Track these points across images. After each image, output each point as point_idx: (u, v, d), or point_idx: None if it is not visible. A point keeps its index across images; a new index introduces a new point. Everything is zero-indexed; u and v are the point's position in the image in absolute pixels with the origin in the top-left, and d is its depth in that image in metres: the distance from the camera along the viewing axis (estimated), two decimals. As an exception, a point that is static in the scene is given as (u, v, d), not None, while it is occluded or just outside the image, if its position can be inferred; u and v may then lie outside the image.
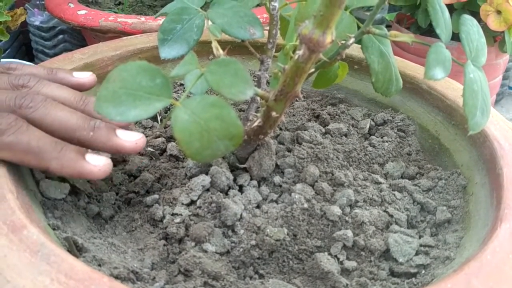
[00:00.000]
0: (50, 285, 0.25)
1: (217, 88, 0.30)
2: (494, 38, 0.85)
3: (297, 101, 0.57)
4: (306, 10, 0.39)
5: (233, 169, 0.42)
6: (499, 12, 0.77)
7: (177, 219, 0.37)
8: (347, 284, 0.34)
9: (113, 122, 0.37)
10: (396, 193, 0.42)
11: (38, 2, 1.15)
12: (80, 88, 0.42)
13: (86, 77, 0.43)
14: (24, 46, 1.19)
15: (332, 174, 0.42)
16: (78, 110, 0.37)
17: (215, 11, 0.39)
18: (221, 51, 0.36)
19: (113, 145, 0.36)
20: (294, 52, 0.33)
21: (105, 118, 0.32)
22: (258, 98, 0.43)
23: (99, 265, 0.31)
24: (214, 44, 0.36)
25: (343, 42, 0.38)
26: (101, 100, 0.28)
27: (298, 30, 0.30)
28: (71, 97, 0.39)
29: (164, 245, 0.36)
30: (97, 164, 0.34)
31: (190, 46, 0.38)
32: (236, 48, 0.54)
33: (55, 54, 1.11)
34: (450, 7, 0.79)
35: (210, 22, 0.39)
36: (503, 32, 0.79)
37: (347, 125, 0.52)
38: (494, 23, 0.76)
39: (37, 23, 1.10)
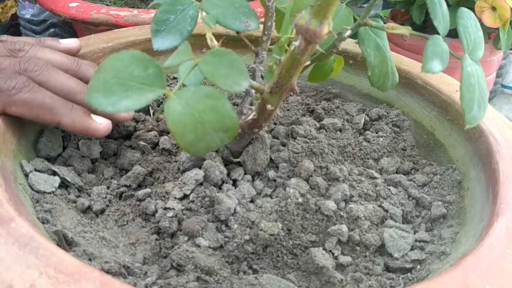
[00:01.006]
0: (38, 279, 0.25)
1: (212, 79, 0.29)
2: (489, 35, 0.85)
3: (291, 95, 0.56)
4: (302, 2, 0.39)
5: (226, 163, 0.41)
6: (494, 9, 0.77)
7: (170, 213, 0.36)
8: (342, 279, 0.34)
9: None
10: (391, 188, 0.42)
11: (29, -5, 1.13)
12: (68, 53, 0.45)
13: (72, 42, 0.47)
14: (14, 40, 1.18)
15: (327, 169, 0.41)
16: (72, 72, 0.42)
17: (209, 1, 0.38)
18: (215, 42, 0.35)
19: None
20: (289, 45, 0.32)
21: None
22: (252, 91, 0.43)
23: (90, 260, 0.31)
24: (209, 35, 0.35)
25: (339, 34, 0.37)
26: (92, 90, 0.27)
27: (294, 20, 0.30)
28: (65, 60, 0.43)
29: (156, 239, 0.35)
30: (102, 122, 0.39)
31: (183, 37, 0.37)
32: (230, 41, 0.54)
33: (46, 48, 1.10)
34: (445, 3, 0.79)
35: (204, 13, 0.38)
36: (497, 28, 0.79)
37: (342, 120, 0.51)
38: (489, 20, 0.76)
39: (28, 16, 1.08)
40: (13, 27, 1.15)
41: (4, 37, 0.44)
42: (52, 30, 1.10)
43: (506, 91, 1.23)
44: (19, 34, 1.14)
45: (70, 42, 0.47)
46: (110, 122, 0.40)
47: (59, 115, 0.38)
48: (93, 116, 0.39)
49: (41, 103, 0.37)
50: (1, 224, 0.28)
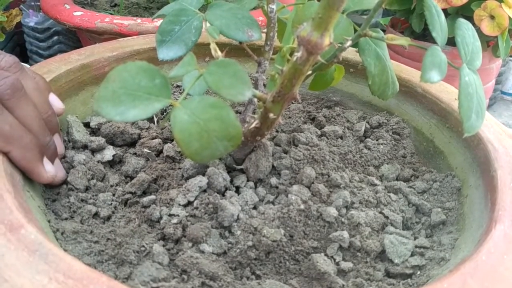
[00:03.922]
0: (48, 284, 0.25)
1: (216, 89, 0.30)
2: (488, 43, 0.86)
3: (293, 103, 0.57)
4: (303, 12, 0.39)
5: (230, 170, 0.42)
6: (492, 17, 0.77)
7: (174, 220, 0.37)
8: (343, 285, 0.35)
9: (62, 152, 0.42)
10: (391, 195, 0.43)
11: (33, 3, 1.14)
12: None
13: (59, 105, 0.42)
14: (18, 47, 1.19)
15: (328, 176, 0.42)
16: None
17: (213, 12, 0.39)
18: (219, 53, 0.36)
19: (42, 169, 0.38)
20: (291, 54, 0.33)
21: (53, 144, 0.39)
22: (255, 100, 0.43)
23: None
24: (213, 46, 0.36)
25: (340, 44, 0.38)
26: (101, 100, 0.28)
27: (296, 32, 0.31)
28: (40, 104, 0.39)
29: (162, 245, 0.36)
30: (49, 170, 0.38)
31: (188, 47, 0.38)
32: (233, 50, 0.55)
33: (50, 56, 1.11)
34: (444, 12, 0.80)
35: (208, 24, 0.39)
36: (496, 36, 0.79)
37: (343, 127, 0.52)
38: (487, 28, 0.77)
39: (32, 24, 1.09)
40: (17, 34, 1.17)
41: None
42: (55, 38, 1.11)
43: (505, 97, 1.23)
44: (23, 41, 1.15)
45: (58, 104, 0.42)
46: (57, 175, 0.39)
47: (12, 145, 0.35)
48: (45, 161, 0.38)
49: None
50: (11, 231, 0.28)
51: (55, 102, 0.42)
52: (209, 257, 0.35)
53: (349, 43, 0.37)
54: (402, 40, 0.35)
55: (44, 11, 0.87)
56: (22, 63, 0.40)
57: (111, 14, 0.91)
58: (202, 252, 0.35)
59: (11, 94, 0.35)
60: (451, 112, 0.48)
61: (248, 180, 0.41)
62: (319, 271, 0.35)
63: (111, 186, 0.42)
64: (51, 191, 0.40)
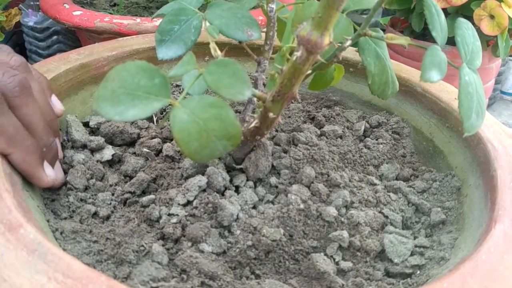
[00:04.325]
0: (47, 284, 0.25)
1: (216, 89, 0.30)
2: (487, 43, 0.86)
3: (292, 103, 0.57)
4: (303, 12, 0.39)
5: (229, 169, 0.42)
6: (492, 17, 0.78)
7: (174, 220, 0.37)
8: (343, 285, 0.35)
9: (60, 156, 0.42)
10: (391, 194, 0.43)
11: (32, 3, 1.14)
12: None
13: (59, 106, 0.42)
14: (17, 47, 1.19)
15: (328, 175, 0.42)
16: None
17: (212, 12, 0.39)
18: (219, 52, 0.36)
19: (42, 173, 0.37)
20: (291, 54, 0.33)
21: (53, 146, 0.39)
22: (255, 99, 0.43)
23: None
24: (212, 45, 0.36)
25: (340, 44, 0.38)
26: (100, 99, 0.28)
27: (296, 31, 0.31)
28: (44, 106, 0.39)
29: (162, 245, 0.36)
30: (49, 174, 0.38)
31: (187, 47, 0.38)
32: (233, 49, 0.55)
33: (49, 55, 1.11)
34: (444, 11, 0.80)
35: (207, 23, 0.39)
36: (496, 36, 0.80)
37: (342, 127, 0.52)
38: (487, 28, 0.77)
39: (31, 23, 1.09)
40: (16, 34, 1.16)
41: (5, 47, 0.40)
42: (55, 37, 1.11)
43: (505, 97, 1.23)
44: (22, 41, 1.15)
45: (59, 106, 0.42)
46: (57, 178, 0.39)
47: (14, 147, 0.35)
48: (45, 164, 0.38)
49: (2, 129, 0.34)
50: (10, 230, 0.28)
51: (56, 104, 0.42)
52: (208, 257, 0.35)
53: (348, 42, 0.37)
54: (402, 40, 0.35)
55: (43, 10, 0.87)
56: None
57: (110, 13, 0.91)
58: (202, 251, 0.35)
59: (19, 92, 0.35)
60: (451, 112, 0.48)
61: (247, 180, 0.41)
62: (319, 271, 0.35)
63: (110, 185, 0.42)
64: (50, 191, 0.40)
